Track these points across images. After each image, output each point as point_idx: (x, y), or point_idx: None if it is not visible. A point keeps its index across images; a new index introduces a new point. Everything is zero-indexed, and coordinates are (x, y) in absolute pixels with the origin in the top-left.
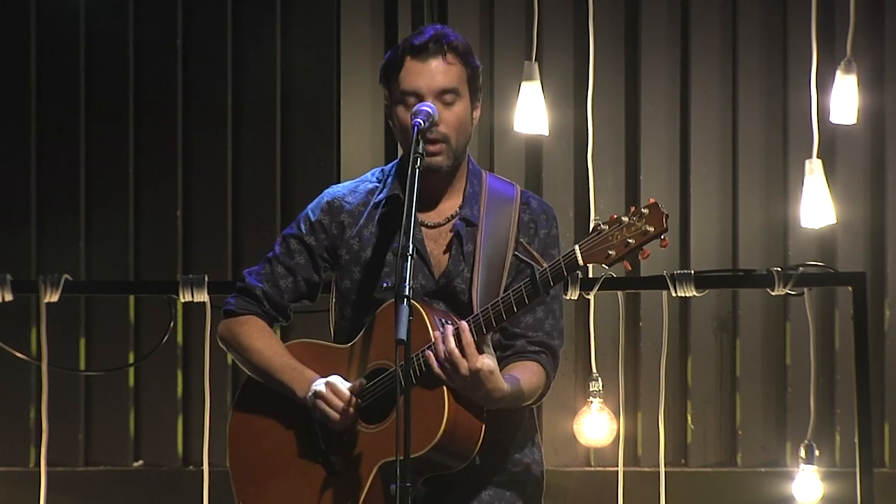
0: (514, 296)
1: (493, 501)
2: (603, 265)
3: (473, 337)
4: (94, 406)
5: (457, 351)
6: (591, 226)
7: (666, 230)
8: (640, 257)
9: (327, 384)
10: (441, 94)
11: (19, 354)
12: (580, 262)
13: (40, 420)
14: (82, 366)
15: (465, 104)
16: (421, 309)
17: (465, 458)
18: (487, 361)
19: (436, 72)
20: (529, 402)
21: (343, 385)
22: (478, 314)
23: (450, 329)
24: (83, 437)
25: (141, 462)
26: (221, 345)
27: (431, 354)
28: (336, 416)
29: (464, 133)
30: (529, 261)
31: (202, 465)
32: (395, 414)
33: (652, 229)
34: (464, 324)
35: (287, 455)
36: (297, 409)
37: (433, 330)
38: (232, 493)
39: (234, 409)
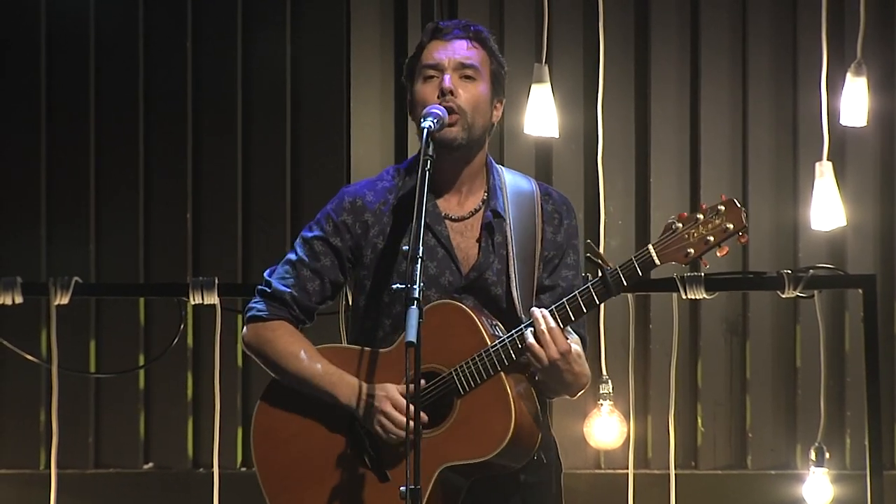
0: (582, 296)
1: (537, 484)
2: (682, 264)
3: (558, 324)
4: (103, 408)
5: (557, 329)
6: (665, 224)
7: (745, 227)
8: (717, 254)
9: (387, 399)
10: (461, 68)
11: (29, 357)
12: (656, 261)
13: (50, 422)
14: (92, 368)
15: (485, 89)
16: (471, 312)
17: (525, 459)
18: (574, 345)
19: (458, 48)
20: (580, 390)
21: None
22: (546, 313)
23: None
24: (93, 440)
25: (151, 464)
26: (248, 351)
27: (538, 320)
28: (401, 432)
29: (480, 114)
30: (598, 261)
31: (212, 467)
32: (452, 418)
33: (731, 226)
34: (545, 311)
35: (327, 460)
36: (337, 412)
37: (486, 331)
38: (242, 498)
39: (259, 410)
